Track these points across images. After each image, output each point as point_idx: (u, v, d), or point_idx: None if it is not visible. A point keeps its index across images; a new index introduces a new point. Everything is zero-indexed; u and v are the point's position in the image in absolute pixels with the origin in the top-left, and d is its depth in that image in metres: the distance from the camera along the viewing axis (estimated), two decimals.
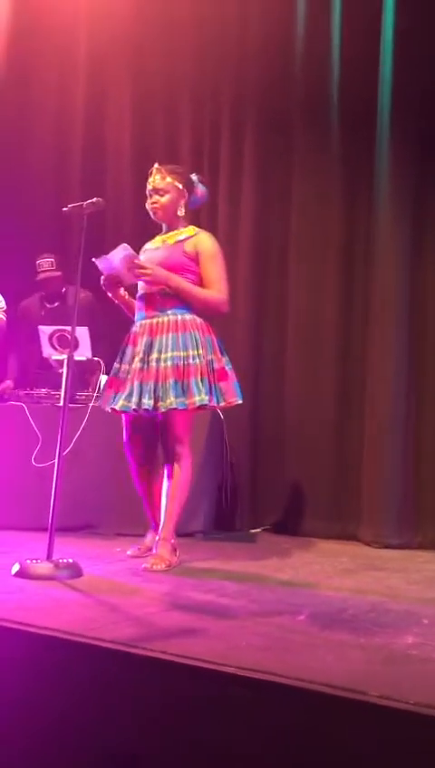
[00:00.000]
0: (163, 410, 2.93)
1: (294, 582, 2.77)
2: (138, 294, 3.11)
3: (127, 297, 3.17)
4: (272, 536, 4.00)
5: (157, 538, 3.03)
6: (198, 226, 3.19)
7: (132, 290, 3.15)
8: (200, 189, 3.17)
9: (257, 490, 4.23)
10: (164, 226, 3.15)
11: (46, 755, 1.80)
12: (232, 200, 4.36)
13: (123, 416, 3.08)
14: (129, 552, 3.07)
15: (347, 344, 4.05)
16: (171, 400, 2.92)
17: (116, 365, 3.10)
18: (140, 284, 3.07)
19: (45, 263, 4.32)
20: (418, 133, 3.87)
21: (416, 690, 1.56)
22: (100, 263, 3.01)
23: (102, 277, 3.04)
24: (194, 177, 3.16)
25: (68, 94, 4.87)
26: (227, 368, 3.04)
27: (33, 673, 1.88)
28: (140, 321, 3.07)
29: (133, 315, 3.16)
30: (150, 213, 3.12)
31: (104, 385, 3.13)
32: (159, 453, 3.14)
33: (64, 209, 2.99)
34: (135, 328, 3.08)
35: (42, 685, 1.85)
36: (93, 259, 3.01)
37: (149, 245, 3.18)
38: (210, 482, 3.96)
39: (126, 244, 3.00)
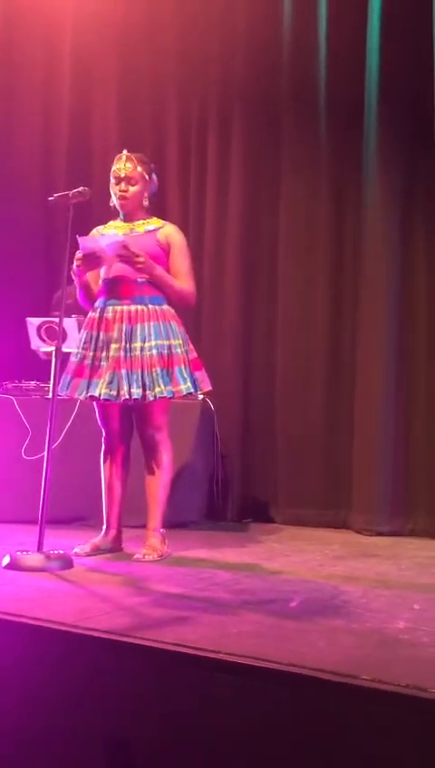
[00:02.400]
0: (152, 399, 2.91)
1: (285, 570, 2.78)
2: (105, 278, 3.03)
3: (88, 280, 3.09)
4: (263, 525, 4.01)
5: (146, 528, 3.03)
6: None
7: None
8: (156, 180, 3.15)
9: (248, 480, 4.23)
10: (122, 214, 3.10)
11: (41, 744, 1.80)
12: (220, 193, 4.35)
13: (96, 404, 3.03)
14: (76, 550, 2.92)
15: (337, 334, 4.06)
16: (160, 389, 2.91)
17: (81, 351, 3.01)
18: (114, 268, 2.98)
19: None
20: (406, 125, 3.86)
21: (407, 673, 1.57)
22: (84, 241, 2.94)
23: (81, 254, 2.94)
24: (152, 165, 3.14)
25: (54, 86, 4.83)
26: (197, 357, 3.07)
27: (26, 663, 1.88)
28: (113, 306, 2.99)
29: (87, 298, 3.09)
30: (115, 199, 3.06)
31: (71, 372, 3.00)
32: (125, 447, 3.10)
33: (50, 198, 2.96)
34: (107, 314, 2.99)
35: (35, 675, 1.85)
36: (78, 236, 2.94)
37: (105, 231, 3.09)
38: (201, 473, 3.96)
39: (120, 235, 2.98)
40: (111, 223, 3.14)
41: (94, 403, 3.05)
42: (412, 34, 3.81)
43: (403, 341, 3.88)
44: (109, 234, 3.05)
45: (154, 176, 3.13)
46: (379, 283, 3.86)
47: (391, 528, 3.75)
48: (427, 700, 1.45)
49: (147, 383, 2.91)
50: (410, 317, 3.90)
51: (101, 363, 2.96)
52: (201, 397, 3.85)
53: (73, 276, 3.02)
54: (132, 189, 3.03)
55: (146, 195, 3.07)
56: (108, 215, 3.19)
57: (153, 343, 2.94)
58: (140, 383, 2.90)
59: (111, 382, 2.92)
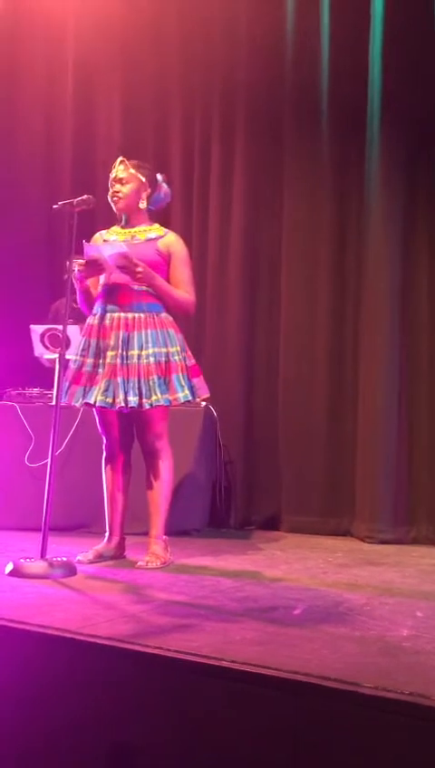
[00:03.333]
0: (148, 407, 2.91)
1: (288, 578, 2.78)
2: (104, 285, 3.03)
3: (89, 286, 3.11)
4: (266, 533, 4.01)
5: (148, 535, 3.03)
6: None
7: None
8: (165, 188, 3.15)
9: (251, 487, 4.23)
10: (124, 218, 3.10)
11: (43, 751, 1.80)
12: (223, 200, 4.36)
13: (95, 410, 3.04)
14: (79, 557, 2.93)
15: (340, 344, 4.06)
16: (157, 396, 2.91)
17: (78, 358, 3.01)
18: (114, 275, 2.98)
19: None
20: (408, 132, 3.87)
21: (411, 681, 1.57)
22: (88, 248, 2.97)
23: (84, 260, 2.95)
24: (159, 176, 3.14)
25: (57, 97, 4.85)
26: (196, 364, 3.07)
27: (29, 670, 1.88)
28: (110, 313, 2.99)
29: (87, 303, 3.10)
30: (111, 203, 3.07)
31: (68, 379, 2.99)
32: (126, 454, 3.11)
33: (54, 206, 2.98)
34: (105, 321, 2.99)
35: (38, 681, 1.85)
36: (84, 242, 2.99)
37: (107, 236, 3.10)
38: (204, 480, 3.96)
39: (123, 244, 2.99)
40: (113, 228, 3.15)
41: (94, 410, 3.06)
42: (415, 42, 3.82)
43: (406, 350, 3.88)
44: (111, 240, 3.06)
45: (162, 183, 3.13)
46: (381, 291, 3.87)
47: (394, 536, 3.74)
48: (430, 708, 1.45)
49: (143, 391, 2.90)
50: (414, 323, 3.90)
51: (98, 370, 2.96)
52: (204, 404, 3.86)
53: (74, 281, 3.04)
54: (124, 189, 3.04)
55: (143, 197, 3.06)
56: (111, 223, 3.20)
57: (150, 351, 2.94)
58: (137, 391, 2.90)
59: (106, 390, 2.91)
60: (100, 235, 3.14)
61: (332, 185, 4.09)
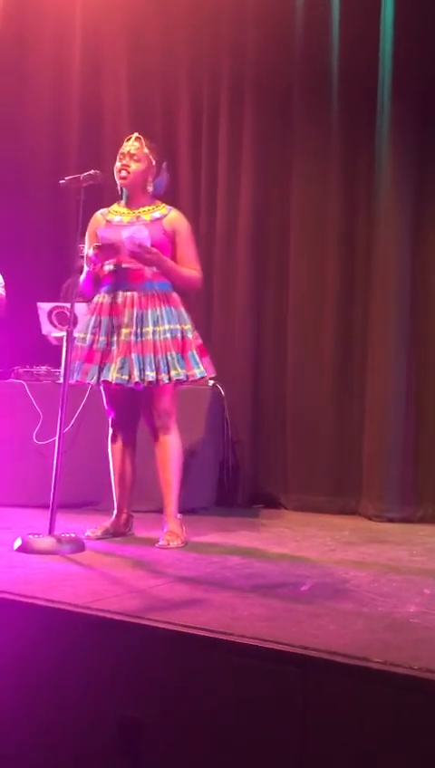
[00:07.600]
0: (166, 381, 2.91)
1: (296, 555, 2.78)
2: (116, 264, 3.01)
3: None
4: (273, 511, 4.02)
5: (164, 514, 3.02)
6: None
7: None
8: (166, 176, 3.12)
9: (259, 466, 4.24)
10: (125, 197, 3.08)
11: (51, 725, 1.82)
12: (232, 175, 4.33)
13: (103, 389, 3.04)
14: (87, 533, 2.95)
15: (348, 321, 4.04)
16: (177, 371, 2.91)
17: (87, 336, 2.99)
18: (122, 258, 2.98)
19: None
20: (419, 111, 3.83)
21: (418, 656, 1.57)
22: (104, 232, 2.98)
23: (101, 244, 2.96)
24: (163, 164, 3.11)
25: (64, 70, 4.81)
26: (202, 344, 3.06)
27: (37, 645, 1.89)
28: (122, 292, 2.98)
29: (94, 286, 3.07)
30: (117, 175, 3.03)
31: (81, 357, 2.97)
32: (132, 432, 3.10)
33: (61, 182, 2.96)
34: (117, 299, 2.98)
35: (46, 656, 1.86)
36: (98, 231, 3.00)
37: (110, 216, 3.07)
38: (212, 459, 3.97)
39: (142, 227, 2.97)
40: (114, 207, 3.12)
41: (102, 388, 3.05)
42: (427, 14, 3.76)
43: (415, 327, 3.86)
44: (115, 220, 3.04)
45: (165, 171, 3.10)
46: (391, 266, 3.84)
47: (401, 515, 3.74)
48: None
49: (161, 366, 2.91)
50: (423, 301, 3.87)
51: (112, 348, 2.96)
52: (211, 382, 3.85)
53: (86, 263, 3.02)
54: (134, 166, 3.01)
55: (150, 179, 3.04)
56: (118, 198, 3.17)
57: (167, 327, 2.94)
58: (154, 366, 2.90)
59: (121, 367, 2.92)
60: (101, 215, 3.11)
61: (341, 157, 4.05)
